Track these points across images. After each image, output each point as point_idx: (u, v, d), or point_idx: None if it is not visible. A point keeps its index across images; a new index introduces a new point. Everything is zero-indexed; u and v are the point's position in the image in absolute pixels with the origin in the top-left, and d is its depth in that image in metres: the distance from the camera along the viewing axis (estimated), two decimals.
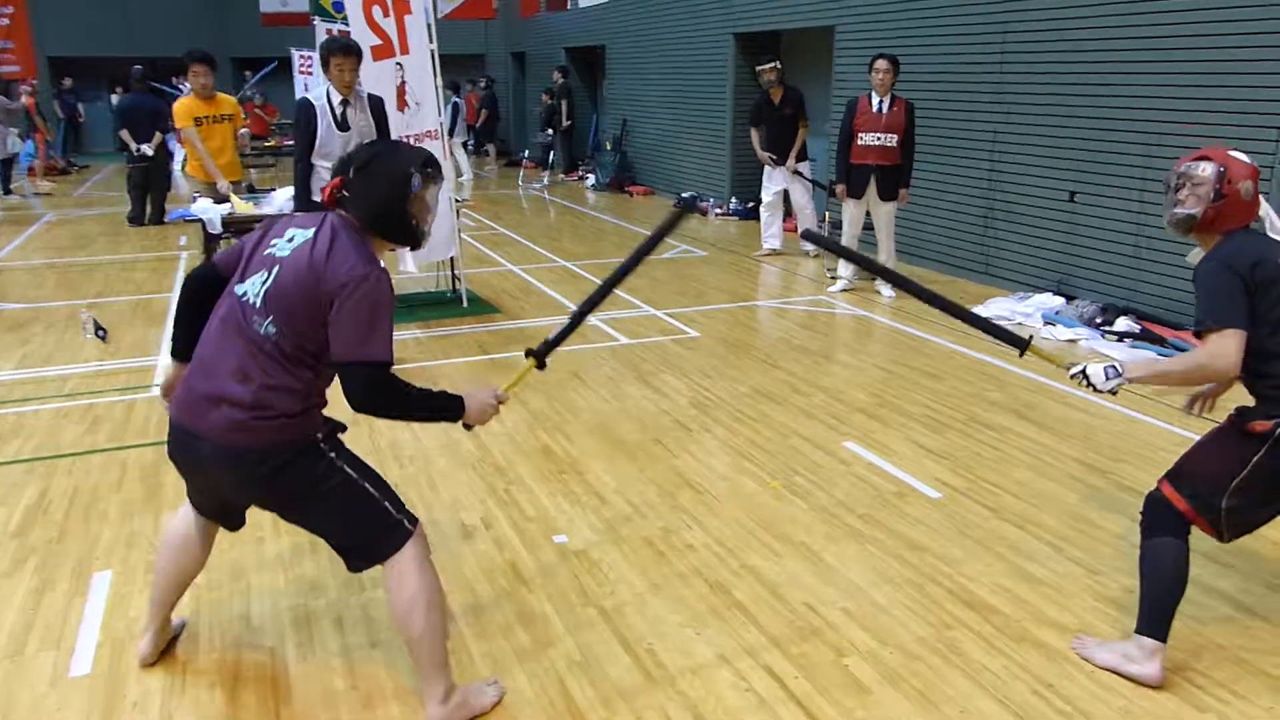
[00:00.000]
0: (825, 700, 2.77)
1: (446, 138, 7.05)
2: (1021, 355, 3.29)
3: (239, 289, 2.46)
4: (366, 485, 2.50)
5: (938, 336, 6.65)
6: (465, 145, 16.77)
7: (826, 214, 9.76)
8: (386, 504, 2.52)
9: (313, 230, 2.45)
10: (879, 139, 7.43)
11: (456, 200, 7.40)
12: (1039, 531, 3.81)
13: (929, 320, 7.08)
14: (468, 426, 2.65)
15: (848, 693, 2.81)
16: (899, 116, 7.41)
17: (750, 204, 11.63)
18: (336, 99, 5.63)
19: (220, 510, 2.73)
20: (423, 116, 6.69)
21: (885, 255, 7.79)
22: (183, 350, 2.62)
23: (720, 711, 2.72)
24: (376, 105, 5.85)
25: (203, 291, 2.61)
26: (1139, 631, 2.87)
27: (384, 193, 2.45)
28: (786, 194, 9.40)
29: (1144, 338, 6.28)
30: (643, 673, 2.90)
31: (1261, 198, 2.86)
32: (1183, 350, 6.02)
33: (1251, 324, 2.67)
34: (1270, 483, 2.76)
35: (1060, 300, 7.09)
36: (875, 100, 7.42)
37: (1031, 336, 3.25)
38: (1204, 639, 3.09)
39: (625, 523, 3.87)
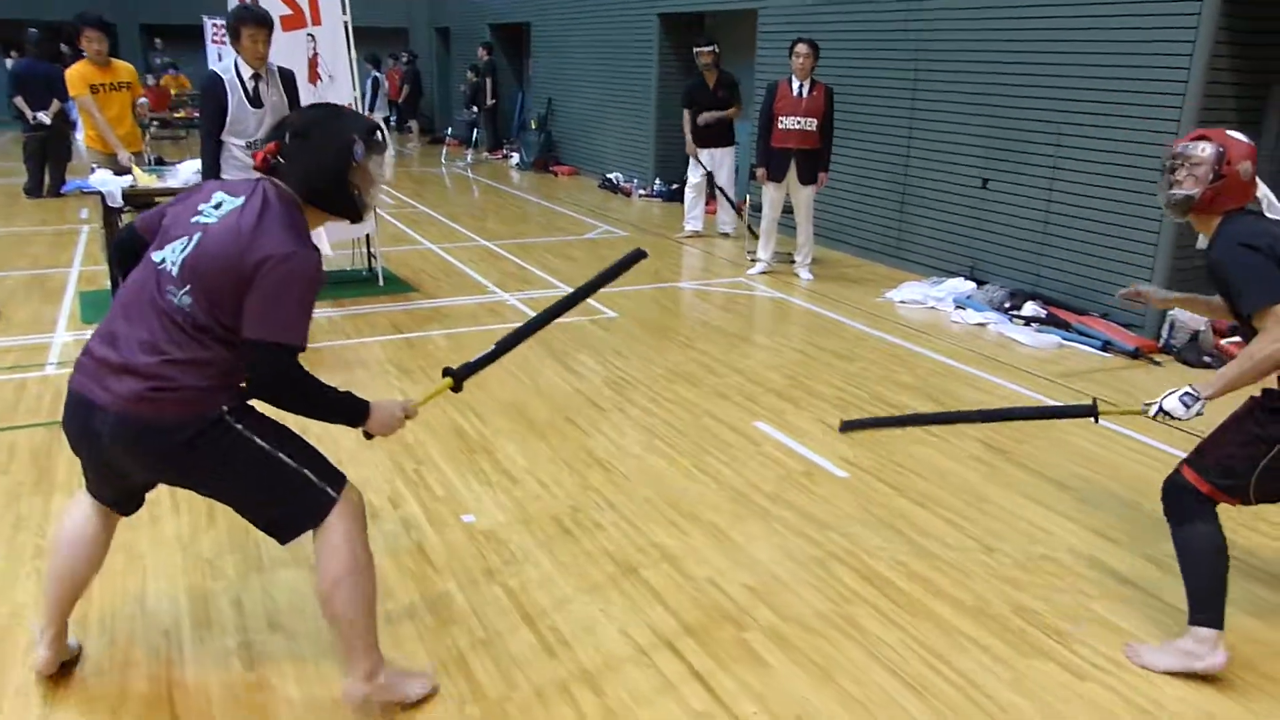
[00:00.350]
0: (724, 674, 2.82)
1: (365, 113, 6.92)
2: (1096, 421, 3.19)
3: (157, 256, 2.32)
4: (281, 455, 2.36)
5: (852, 320, 6.76)
6: (387, 121, 16.50)
7: (748, 197, 9.83)
8: (306, 471, 2.38)
9: (243, 198, 2.31)
10: (799, 123, 7.50)
11: None
12: (939, 508, 3.91)
13: (844, 303, 7.19)
14: (368, 435, 2.50)
15: (747, 666, 2.86)
16: (819, 101, 7.48)
17: (674, 185, 11.66)
18: (247, 73, 5.39)
19: (118, 493, 2.58)
20: (336, 90, 6.55)
21: (804, 238, 7.89)
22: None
23: (620, 686, 2.75)
24: (288, 79, 5.63)
25: (130, 258, 2.48)
26: (1193, 623, 2.83)
27: (324, 161, 2.33)
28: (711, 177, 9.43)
29: (1050, 322, 6.47)
30: (545, 649, 2.91)
31: (1258, 178, 2.86)
32: (1086, 334, 6.23)
33: None
34: None
35: (971, 285, 7.26)
36: (795, 84, 7.48)
37: (1095, 401, 3.13)
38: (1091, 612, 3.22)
39: (534, 501, 3.87)
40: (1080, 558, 3.56)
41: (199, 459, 2.30)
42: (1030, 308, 6.64)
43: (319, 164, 2.33)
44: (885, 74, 8.24)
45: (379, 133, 2.40)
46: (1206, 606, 2.81)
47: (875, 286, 7.68)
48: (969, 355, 6.03)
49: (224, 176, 5.24)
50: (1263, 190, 2.90)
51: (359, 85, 6.86)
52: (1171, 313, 6.06)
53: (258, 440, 2.35)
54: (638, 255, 3.34)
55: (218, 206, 2.32)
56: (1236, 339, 6.05)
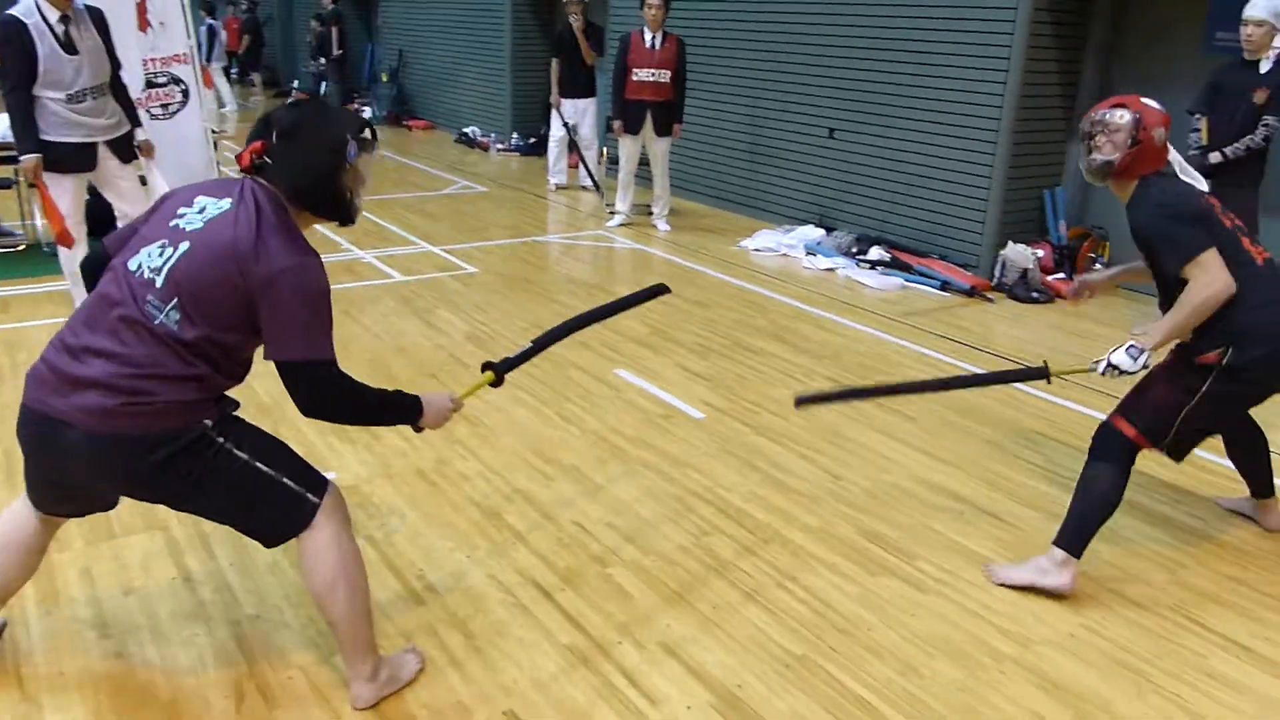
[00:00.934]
0: (590, 607, 2.92)
1: (201, 63, 6.61)
2: (1049, 382, 3.32)
3: (131, 262, 2.16)
4: (261, 466, 2.25)
5: (708, 268, 6.92)
6: (227, 72, 15.74)
7: (605, 149, 9.86)
8: (286, 480, 2.27)
9: (229, 203, 2.16)
10: (653, 75, 7.56)
11: (215, 131, 6.98)
12: (792, 444, 4.10)
13: (701, 253, 7.35)
14: (419, 429, 2.47)
15: (612, 600, 2.97)
16: (671, 52, 7.55)
17: (531, 139, 11.58)
18: (54, 15, 4.71)
19: (80, 506, 2.45)
20: (169, 38, 6.23)
21: (661, 189, 7.99)
22: None
23: (488, 626, 2.82)
24: (98, 19, 4.99)
25: (98, 276, 2.30)
26: (1057, 543, 3.01)
27: (314, 162, 2.20)
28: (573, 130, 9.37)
29: (894, 265, 6.78)
30: (412, 596, 2.95)
31: (1169, 145, 2.98)
32: (927, 275, 6.57)
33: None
34: (1215, 406, 2.97)
35: (821, 232, 7.53)
36: (648, 36, 7.53)
37: (1046, 363, 3.30)
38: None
39: (398, 457, 3.87)
40: (922, 483, 3.81)
41: (177, 476, 2.18)
42: (875, 252, 6.94)
43: (309, 165, 2.20)
44: (734, 27, 8.38)
45: (370, 130, 2.30)
46: (1075, 535, 2.99)
47: (730, 236, 7.87)
48: (820, 299, 6.28)
49: (45, 137, 4.70)
50: (1173, 155, 3.03)
51: (193, 33, 6.54)
52: (1003, 251, 6.45)
53: (238, 453, 2.23)
54: (659, 290, 3.47)
55: (202, 212, 2.17)
56: (1061, 275, 6.49)
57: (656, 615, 2.91)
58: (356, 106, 15.43)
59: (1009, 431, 4.28)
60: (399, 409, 2.38)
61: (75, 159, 4.83)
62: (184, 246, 2.12)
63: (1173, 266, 2.85)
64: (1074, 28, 6.50)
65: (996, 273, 6.50)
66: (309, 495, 2.31)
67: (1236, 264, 2.84)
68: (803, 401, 3.48)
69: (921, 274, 6.63)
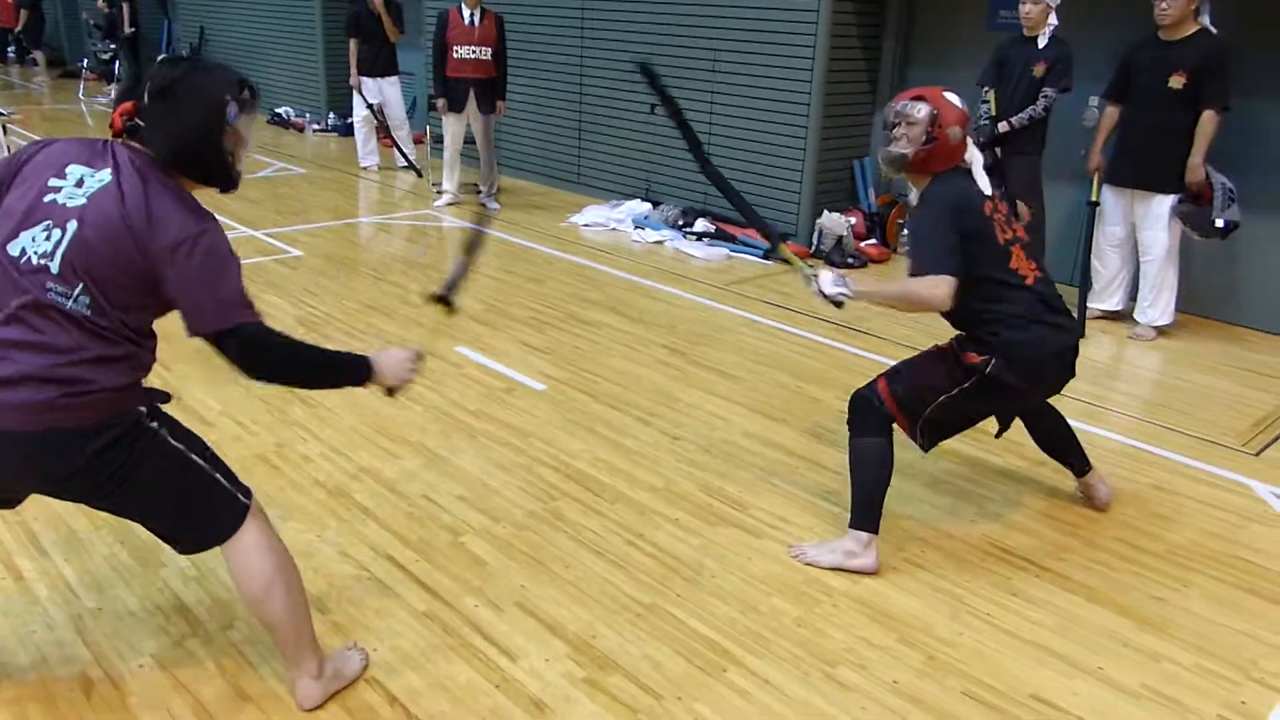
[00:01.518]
0: (444, 575, 2.98)
1: None
2: (767, 256, 3.33)
3: (12, 247, 1.99)
4: (195, 458, 2.16)
5: (540, 244, 7.00)
6: (3, 51, 14.55)
7: (428, 128, 9.74)
8: (218, 476, 2.19)
9: (108, 172, 2.02)
10: (474, 52, 7.52)
11: (2, 114, 6.51)
12: (630, 409, 4.26)
13: (532, 230, 7.41)
14: (390, 392, 2.34)
15: (465, 567, 3.04)
16: (490, 29, 7.54)
17: (348, 119, 11.25)
18: None
19: None
20: None
21: (487, 167, 7.99)
22: None
23: (344, 601, 2.84)
24: None
25: None
26: (853, 526, 3.07)
27: (193, 123, 2.05)
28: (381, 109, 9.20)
29: (719, 236, 7.05)
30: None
31: (970, 142, 3.03)
32: (749, 245, 6.86)
33: (963, 268, 2.84)
34: (969, 404, 3.07)
35: (648, 206, 7.72)
36: (466, 13, 7.48)
37: (783, 235, 3.34)
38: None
39: (235, 442, 3.79)
40: (753, 438, 4.04)
41: (112, 468, 2.06)
42: (701, 224, 7.19)
43: (187, 127, 2.05)
44: (555, 3, 8.42)
45: (250, 89, 2.16)
46: (867, 513, 3.06)
47: (560, 212, 7.96)
48: (650, 270, 6.47)
49: None
50: (971, 154, 3.05)
51: None
52: (819, 220, 6.81)
53: (173, 443, 2.14)
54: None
55: (80, 185, 2.01)
56: (873, 240, 6.92)
57: (510, 577, 3.00)
58: None
59: (834, 390, 4.57)
60: (348, 368, 2.27)
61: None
62: (72, 227, 1.98)
63: (911, 268, 2.90)
64: (873, 5, 6.91)
65: (814, 240, 6.86)
66: (238, 495, 2.23)
67: (1002, 283, 2.94)
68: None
69: (745, 244, 6.92)
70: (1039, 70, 5.51)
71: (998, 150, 5.60)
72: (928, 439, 3.16)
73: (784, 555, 3.18)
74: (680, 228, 7.25)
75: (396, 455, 3.75)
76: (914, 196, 3.12)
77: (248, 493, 2.27)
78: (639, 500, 3.50)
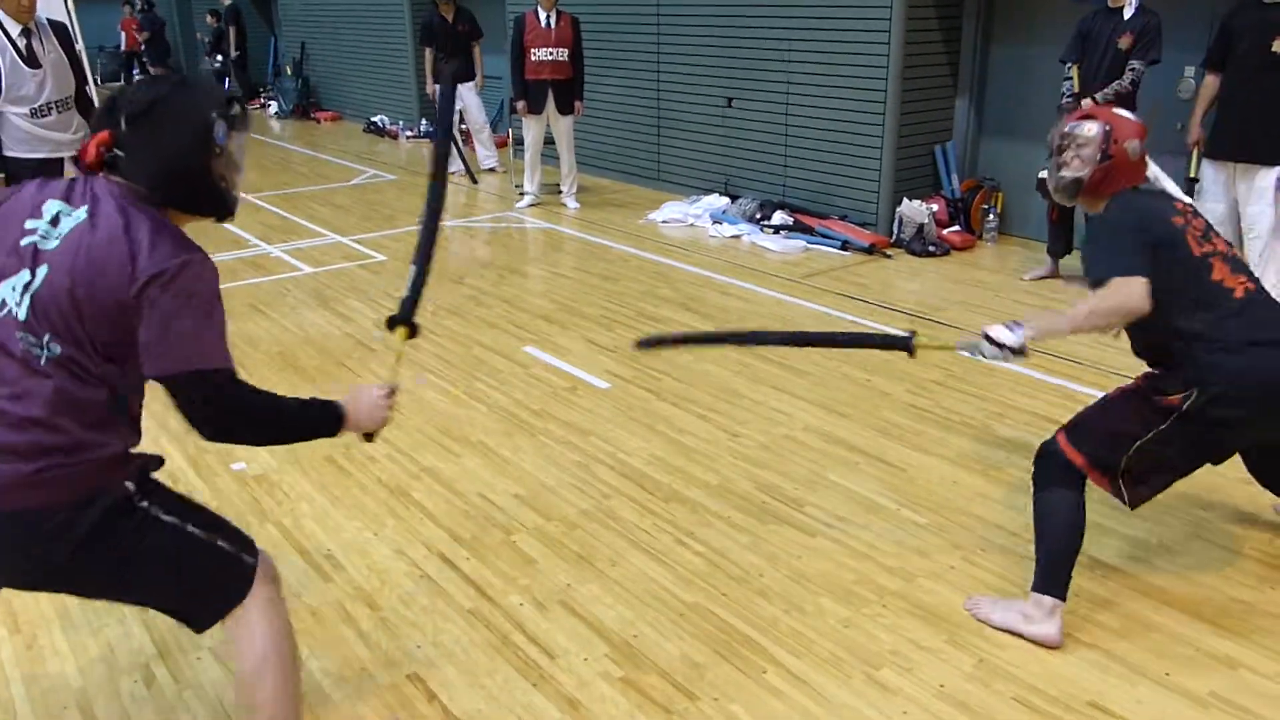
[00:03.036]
0: (493, 573, 3.02)
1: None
2: (912, 356, 2.98)
3: None
4: (191, 528, 1.92)
5: (617, 243, 7.03)
6: (129, 73, 15.35)
7: (510, 131, 9.87)
8: (219, 542, 1.95)
9: (85, 209, 1.80)
10: (551, 54, 7.60)
11: None
12: (692, 406, 4.23)
13: (610, 228, 7.44)
14: (369, 437, 2.15)
15: (514, 565, 3.07)
16: (566, 31, 7.60)
17: None
18: (15, 29, 4.63)
19: None
20: None
21: (567, 167, 8.05)
22: None
23: (395, 598, 2.91)
24: (63, 34, 4.92)
25: None
26: (1035, 589, 2.69)
27: (178, 149, 1.84)
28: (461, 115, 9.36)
29: (796, 228, 6.95)
30: (320, 575, 3.02)
31: (1149, 157, 2.77)
32: (828, 236, 6.74)
33: (1153, 279, 2.47)
34: (1175, 452, 2.64)
35: (726, 200, 7.67)
36: (543, 16, 7.56)
37: (914, 333, 2.97)
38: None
39: (305, 445, 3.90)
40: (816, 433, 3.97)
41: (101, 553, 1.81)
42: (779, 217, 7.10)
43: (172, 154, 1.84)
44: (629, 2, 8.44)
45: (239, 104, 1.95)
46: (1053, 577, 2.67)
47: (638, 209, 7.97)
48: (725, 265, 6.42)
49: (8, 153, 4.61)
50: (1153, 170, 2.84)
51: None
52: (899, 209, 6.64)
53: (165, 517, 1.90)
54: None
55: (54, 222, 1.81)
56: (956, 228, 6.72)
57: (556, 576, 3.02)
58: (261, 101, 15.20)
59: (905, 383, 4.45)
60: (316, 420, 2.02)
61: (39, 175, 4.71)
62: (42, 272, 1.76)
63: (1096, 272, 2.56)
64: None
65: (894, 229, 6.70)
66: (243, 556, 1.99)
67: (1199, 299, 2.54)
68: (644, 345, 3.39)
69: (823, 235, 6.80)
70: (1125, 42, 5.25)
71: None
72: (1131, 494, 2.71)
73: (838, 554, 3.11)
74: (758, 221, 7.17)
75: (458, 455, 3.82)
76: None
77: (252, 548, 2.02)
78: (692, 498, 3.47)
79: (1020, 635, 2.69)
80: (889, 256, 6.53)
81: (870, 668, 2.59)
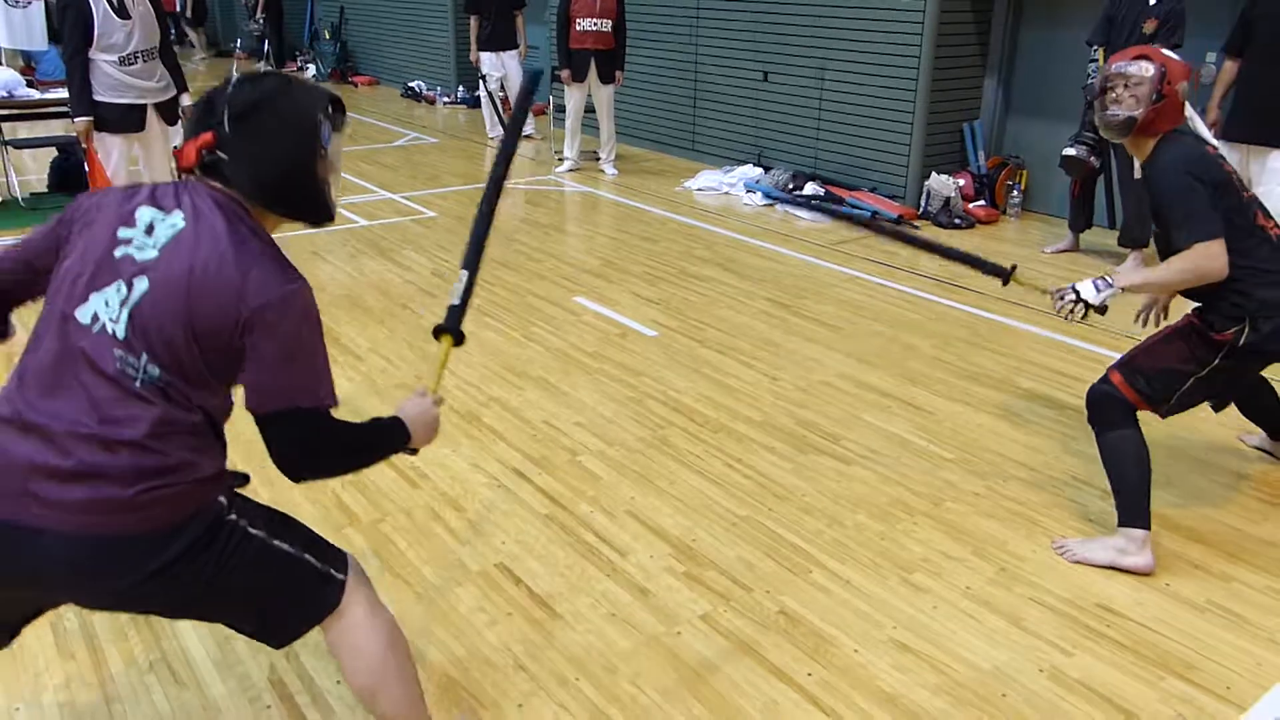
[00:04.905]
0: (564, 486, 3.37)
1: None
2: (1005, 285, 3.29)
3: (81, 313, 1.67)
4: (279, 544, 1.83)
5: (654, 207, 7.34)
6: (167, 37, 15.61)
7: (550, 99, 10.16)
8: (308, 556, 1.85)
9: (180, 216, 1.70)
10: (596, 24, 7.89)
11: None
12: (735, 354, 4.57)
13: (647, 194, 7.75)
14: (413, 451, 2.02)
15: (582, 480, 3.42)
16: (611, 2, 7.88)
17: (476, 93, 11.80)
18: None
19: (11, 630, 1.94)
20: None
21: (607, 135, 8.36)
22: None
23: (476, 502, 3.26)
24: None
25: None
26: (1122, 524, 2.91)
27: (284, 152, 1.76)
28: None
29: (828, 199, 7.25)
30: (408, 483, 3.37)
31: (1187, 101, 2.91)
32: (858, 207, 7.04)
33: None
34: (1222, 381, 2.94)
35: (759, 170, 7.96)
36: None
37: (1014, 266, 3.24)
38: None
39: (381, 374, 4.26)
40: (849, 379, 4.30)
41: (194, 574, 1.72)
42: (810, 187, 7.40)
43: (278, 157, 1.76)
44: None
45: (340, 105, 1.86)
46: (1134, 509, 2.89)
47: (675, 178, 8.28)
48: (758, 231, 6.73)
49: (97, 97, 4.92)
50: (1189, 111, 2.94)
51: None
52: (927, 182, 6.94)
53: (254, 532, 1.81)
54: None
55: (149, 231, 1.70)
56: (982, 202, 7.01)
57: (621, 490, 3.36)
58: (299, 65, 15.48)
59: (931, 339, 4.77)
60: (388, 444, 1.94)
61: (125, 120, 5.05)
62: (141, 286, 1.66)
63: (1180, 241, 2.76)
64: None
65: (922, 202, 7.00)
66: (332, 571, 1.88)
67: (1250, 237, 2.78)
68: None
69: (853, 205, 7.10)
70: (1150, 27, 5.52)
71: None
72: (1173, 413, 3.01)
73: (872, 480, 3.45)
74: (790, 191, 7.47)
75: (521, 388, 4.16)
76: (1137, 168, 2.99)
77: (343, 562, 1.91)
78: (739, 430, 3.81)
79: (1119, 568, 2.90)
80: (916, 228, 6.83)
81: (904, 571, 2.93)
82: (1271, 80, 5.15)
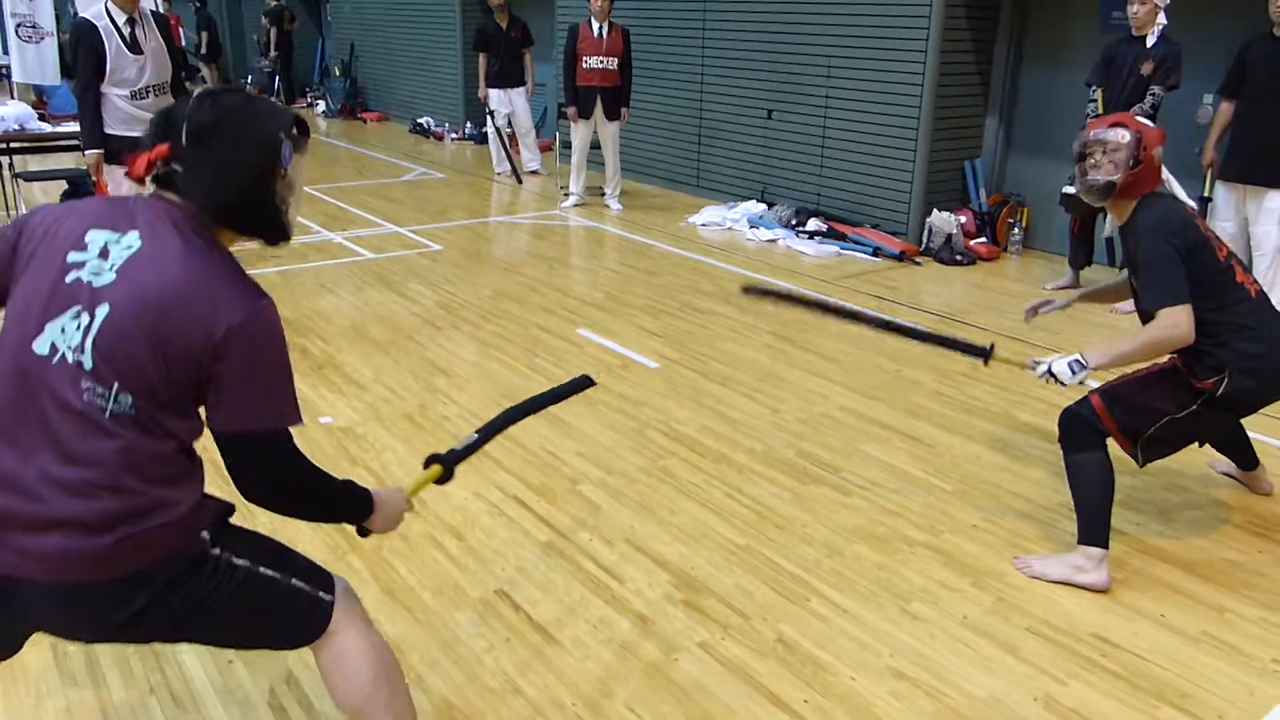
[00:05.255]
0: (563, 514, 3.40)
1: None
2: (986, 364, 3.40)
3: (38, 344, 1.61)
4: (265, 570, 1.82)
5: (659, 242, 7.42)
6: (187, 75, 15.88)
7: (557, 135, 10.30)
8: (295, 582, 1.85)
9: (135, 236, 1.67)
10: (601, 62, 8.02)
11: None
12: (737, 386, 4.60)
13: (652, 229, 7.83)
14: (365, 533, 2.00)
15: (582, 509, 3.45)
16: (617, 41, 8.02)
17: (483, 129, 11.96)
18: (121, 18, 5.04)
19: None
20: None
21: (612, 171, 8.46)
22: None
23: (477, 530, 3.28)
24: (163, 24, 5.33)
25: None
26: (1082, 542, 3.03)
27: (242, 170, 1.72)
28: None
29: (830, 235, 7.32)
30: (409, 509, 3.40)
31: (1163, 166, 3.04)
32: (860, 243, 7.11)
33: (1191, 283, 2.82)
34: (1196, 427, 3.05)
35: (763, 206, 8.05)
36: (595, 26, 7.98)
37: (993, 345, 3.39)
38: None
39: (384, 404, 4.30)
40: (849, 412, 4.33)
41: (171, 610, 1.71)
42: (813, 223, 7.48)
43: (236, 174, 1.72)
44: (677, 16, 8.85)
45: (301, 125, 1.83)
46: (1094, 528, 3.01)
47: (679, 213, 8.37)
48: (762, 266, 6.80)
49: (108, 130, 5.02)
50: (1166, 175, 3.11)
51: None
52: (929, 219, 7.01)
53: (238, 562, 1.79)
54: (585, 382, 2.99)
55: (104, 254, 1.65)
56: (983, 239, 7.07)
57: (620, 519, 3.39)
58: (308, 101, 15.71)
59: (932, 373, 4.81)
60: (353, 501, 1.91)
61: (134, 151, 5.13)
62: (102, 312, 1.61)
63: (1149, 304, 2.88)
64: (985, 10, 7.08)
65: (924, 239, 7.06)
66: (320, 594, 1.88)
67: (1229, 294, 2.91)
68: (749, 291, 3.69)
69: (855, 241, 7.17)
70: (1147, 69, 5.61)
71: None
72: (1146, 455, 3.10)
73: (871, 512, 3.47)
74: (793, 227, 7.55)
75: None
76: (1110, 227, 3.17)
77: (330, 584, 1.91)
78: (739, 461, 3.84)
79: (1074, 584, 3.01)
80: (918, 264, 6.90)
81: (902, 601, 2.95)
82: (1267, 121, 5.23)
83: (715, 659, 2.67)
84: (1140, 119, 3.06)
